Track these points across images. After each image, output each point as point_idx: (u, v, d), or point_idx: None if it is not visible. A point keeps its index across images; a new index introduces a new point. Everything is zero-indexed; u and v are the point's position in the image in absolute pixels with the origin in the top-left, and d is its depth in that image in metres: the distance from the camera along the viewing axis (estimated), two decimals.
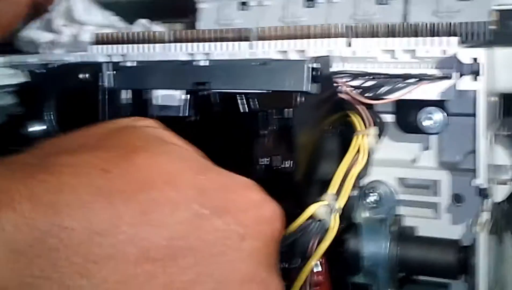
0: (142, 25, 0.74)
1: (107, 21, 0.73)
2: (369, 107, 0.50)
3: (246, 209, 0.29)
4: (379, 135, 0.49)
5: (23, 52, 0.76)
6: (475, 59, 0.46)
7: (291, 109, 0.40)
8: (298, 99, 0.41)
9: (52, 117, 0.46)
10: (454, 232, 0.49)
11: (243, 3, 0.81)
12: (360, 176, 0.47)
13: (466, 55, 0.46)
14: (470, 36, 0.69)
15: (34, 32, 0.71)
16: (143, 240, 0.25)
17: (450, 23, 0.51)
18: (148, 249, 0.25)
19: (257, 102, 0.41)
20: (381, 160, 0.51)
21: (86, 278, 0.23)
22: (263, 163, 0.41)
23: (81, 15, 0.70)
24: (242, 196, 0.30)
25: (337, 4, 0.77)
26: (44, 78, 0.46)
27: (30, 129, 0.45)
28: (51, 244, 0.23)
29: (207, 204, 0.28)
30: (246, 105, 0.41)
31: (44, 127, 0.45)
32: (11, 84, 0.58)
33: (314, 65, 0.43)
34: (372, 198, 0.50)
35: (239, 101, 0.41)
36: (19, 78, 0.58)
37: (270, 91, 0.41)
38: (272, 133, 0.41)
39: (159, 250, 0.25)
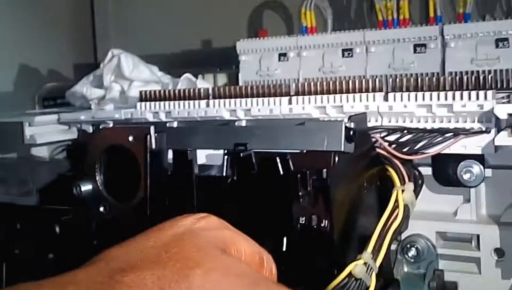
0: (187, 80, 0.77)
1: (154, 77, 0.77)
2: (408, 161, 0.50)
3: None
4: (418, 190, 0.50)
5: (75, 106, 0.81)
6: (511, 115, 0.46)
7: (326, 170, 0.42)
8: (334, 158, 0.42)
9: (100, 177, 0.48)
10: (496, 287, 0.48)
11: (283, 54, 0.83)
12: (399, 231, 0.48)
13: (503, 110, 0.46)
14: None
15: (85, 88, 0.75)
16: None
17: (485, 74, 0.51)
18: None
19: (294, 163, 0.42)
20: (421, 213, 0.51)
21: None
22: (301, 223, 0.42)
23: (129, 72, 0.74)
24: None
25: (374, 54, 0.79)
26: (92, 138, 0.49)
27: (80, 188, 0.48)
28: None
29: None
30: (283, 166, 0.42)
31: (91, 186, 0.47)
32: (63, 140, 0.61)
33: (350, 125, 0.44)
34: (411, 252, 0.50)
35: (276, 162, 0.42)
36: (71, 134, 0.61)
37: (307, 152, 0.43)
38: (309, 194, 0.42)
39: None
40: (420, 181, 0.50)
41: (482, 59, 0.73)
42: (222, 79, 0.96)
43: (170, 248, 0.31)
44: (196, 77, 0.81)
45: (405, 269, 0.49)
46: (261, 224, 0.42)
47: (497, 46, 0.74)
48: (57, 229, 0.50)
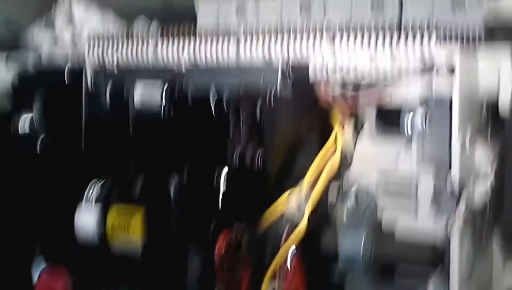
0: (140, 25, 0.75)
1: (107, 22, 0.75)
2: (349, 106, 0.50)
3: None
4: (358, 132, 0.50)
5: (26, 49, 0.79)
6: (450, 59, 0.46)
7: (260, 108, 0.42)
8: (269, 99, 0.42)
9: (38, 117, 0.47)
10: (432, 229, 0.49)
11: (241, 6, 0.82)
12: (340, 172, 0.48)
13: (442, 54, 0.47)
14: (463, 36, 0.70)
15: (36, 32, 0.73)
16: None
17: (428, 24, 0.52)
18: None
19: (231, 102, 0.42)
20: (362, 160, 0.52)
21: None
22: (235, 159, 0.42)
23: (80, 17, 0.72)
24: None
25: (331, 9, 0.78)
26: (32, 79, 0.48)
27: (18, 127, 0.47)
28: None
29: None
30: (220, 104, 0.42)
31: (29, 123, 0.47)
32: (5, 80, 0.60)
33: (288, 69, 0.44)
34: (351, 199, 0.50)
35: (212, 102, 0.42)
36: (14, 75, 0.60)
37: (243, 91, 0.43)
38: (245, 133, 0.42)
39: None
40: (359, 124, 0.51)
41: (438, 11, 0.73)
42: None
43: None
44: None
45: (345, 215, 0.50)
46: (198, 161, 0.43)
47: None
48: None
